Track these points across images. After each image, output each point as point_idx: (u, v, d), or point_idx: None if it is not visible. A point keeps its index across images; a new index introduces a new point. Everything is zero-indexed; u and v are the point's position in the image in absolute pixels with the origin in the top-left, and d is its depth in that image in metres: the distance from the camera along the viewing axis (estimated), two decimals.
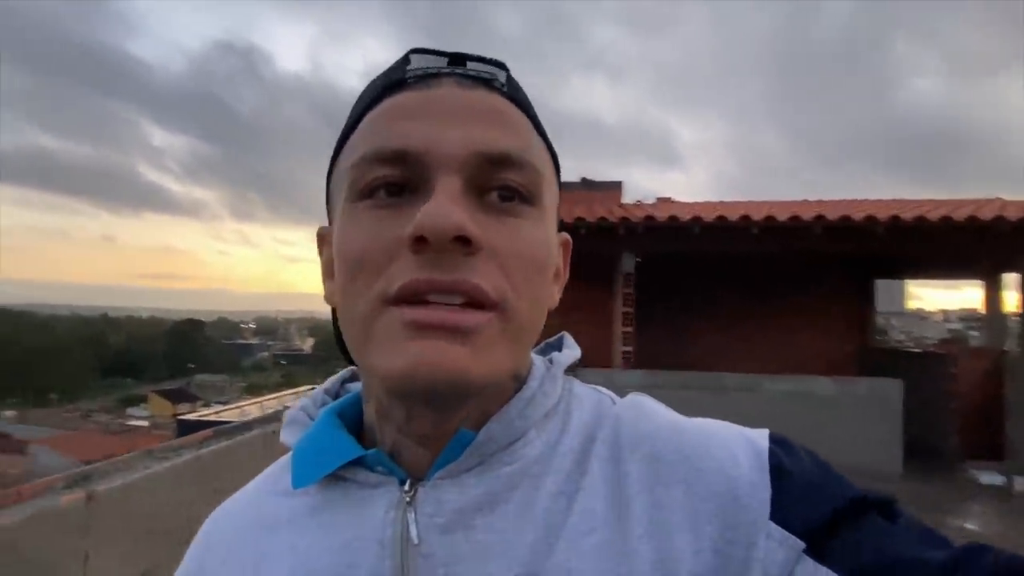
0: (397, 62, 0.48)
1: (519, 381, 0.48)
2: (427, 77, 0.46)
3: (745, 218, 7.80)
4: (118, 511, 2.28)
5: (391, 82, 0.46)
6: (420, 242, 0.40)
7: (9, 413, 57.71)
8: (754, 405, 7.56)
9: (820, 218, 7.62)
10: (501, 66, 0.48)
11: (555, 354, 0.53)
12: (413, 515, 0.44)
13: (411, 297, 0.41)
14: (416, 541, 0.43)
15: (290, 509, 0.49)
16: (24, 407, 63.59)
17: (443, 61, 0.46)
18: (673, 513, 0.43)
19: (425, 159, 0.42)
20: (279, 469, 0.54)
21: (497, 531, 0.43)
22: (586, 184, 11.08)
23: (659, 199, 11.45)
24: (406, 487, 0.45)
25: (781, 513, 0.42)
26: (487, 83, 0.46)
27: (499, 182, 0.44)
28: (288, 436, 0.52)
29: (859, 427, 7.39)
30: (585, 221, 8.06)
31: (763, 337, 10.24)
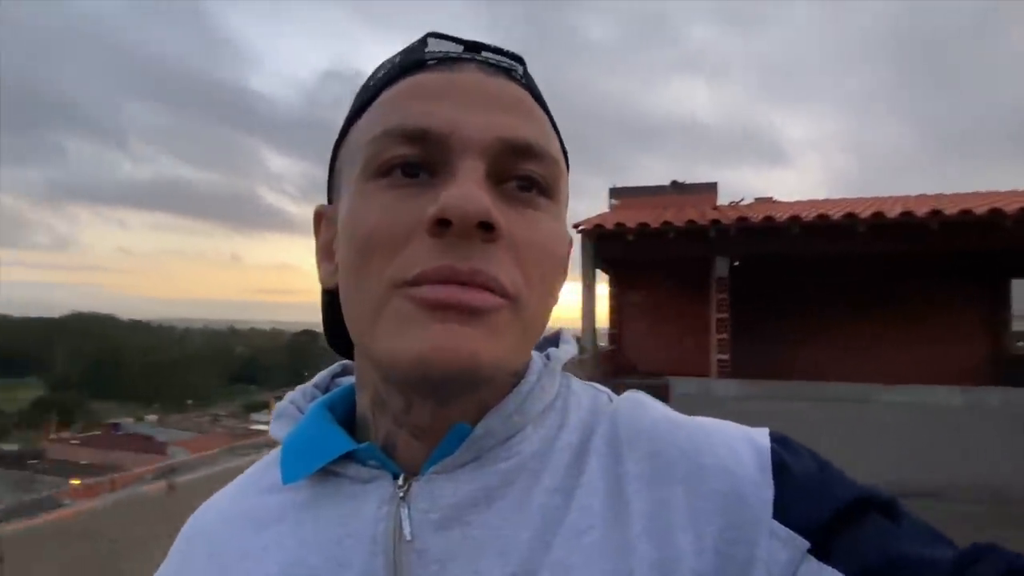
0: (414, 44, 0.47)
1: (517, 376, 0.47)
2: (448, 60, 0.45)
3: (850, 216, 7.28)
4: (198, 499, 2.46)
5: (410, 62, 0.45)
6: (442, 225, 0.39)
7: (151, 417, 63.94)
8: (866, 418, 7.00)
9: (936, 213, 6.98)
10: (519, 59, 0.47)
11: (552, 350, 0.52)
12: (407, 510, 0.43)
13: (429, 282, 0.39)
14: (409, 537, 0.42)
15: (279, 505, 0.48)
16: (164, 412, 70.18)
17: (459, 48, 0.46)
18: (674, 511, 0.42)
19: (448, 141, 0.41)
20: (265, 465, 0.52)
21: (493, 527, 0.42)
22: (677, 187, 10.81)
23: (757, 199, 10.94)
24: (399, 482, 0.44)
25: (784, 512, 0.41)
26: (507, 72, 0.46)
27: (520, 171, 0.43)
28: (277, 430, 0.51)
29: (990, 443, 6.64)
30: (672, 225, 7.84)
31: (875, 345, 9.50)
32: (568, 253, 0.49)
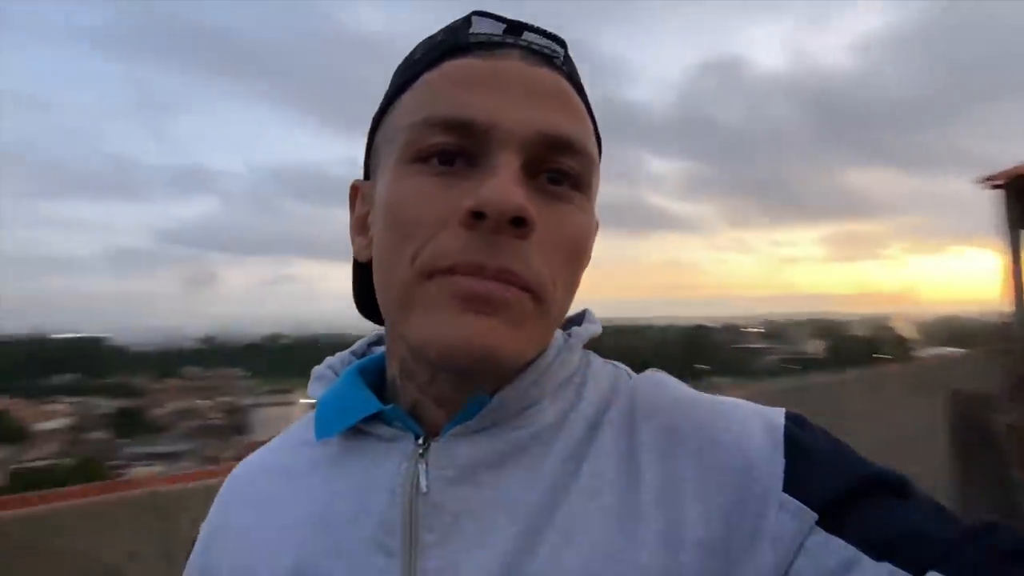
0: (457, 23, 0.48)
1: (538, 352, 0.49)
2: (491, 45, 0.45)
3: None
4: None
5: (454, 45, 0.46)
6: (477, 217, 0.40)
7: None
8: None
9: None
10: (561, 42, 0.48)
11: (575, 328, 0.54)
12: (424, 467, 0.46)
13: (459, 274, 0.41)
14: (425, 490, 0.45)
15: (311, 458, 0.52)
16: None
17: (501, 28, 0.46)
18: (684, 483, 0.44)
19: (489, 133, 0.42)
20: (304, 423, 0.56)
21: (503, 487, 0.45)
22: None
23: None
24: (420, 441, 0.47)
25: (794, 486, 0.42)
26: (549, 60, 0.46)
27: (555, 165, 0.44)
28: (314, 390, 0.55)
29: None
30: None
31: None
32: (593, 242, 0.50)
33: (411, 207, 0.43)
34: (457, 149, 0.43)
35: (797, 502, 0.41)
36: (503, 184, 0.40)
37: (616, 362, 0.55)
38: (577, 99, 0.47)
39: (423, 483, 0.45)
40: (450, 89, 0.44)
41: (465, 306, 0.41)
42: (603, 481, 0.44)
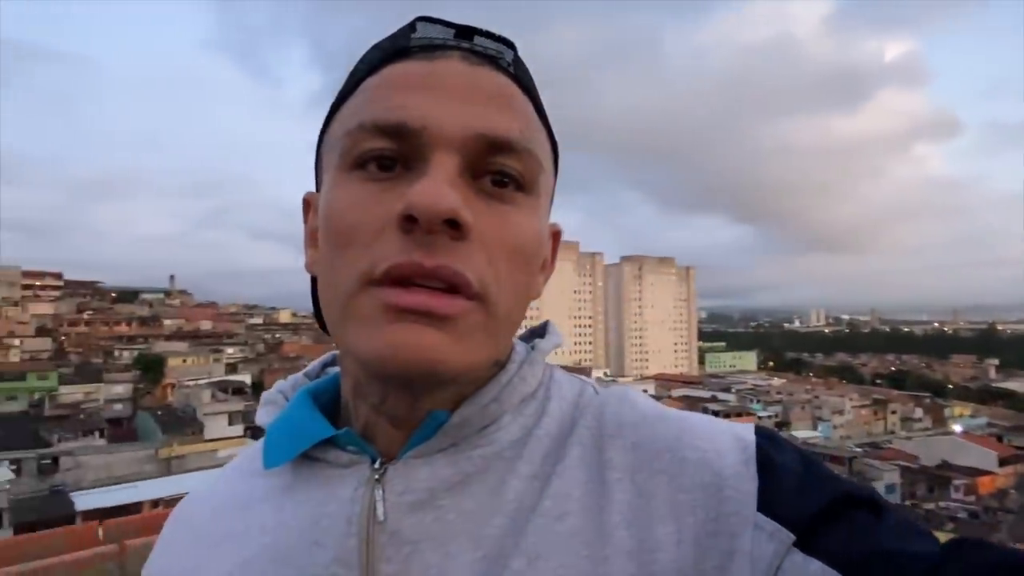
0: (402, 29, 0.46)
1: (499, 366, 0.48)
2: (432, 48, 0.44)
3: None
4: None
5: (394, 50, 0.45)
6: (409, 221, 0.39)
7: None
8: None
9: None
10: (510, 44, 0.46)
11: (537, 340, 0.52)
12: (381, 492, 0.44)
13: (395, 280, 0.40)
14: (382, 518, 0.43)
15: (263, 489, 0.50)
16: None
17: (450, 33, 0.45)
18: (654, 502, 0.43)
19: (422, 135, 0.41)
20: (253, 451, 0.54)
21: (465, 512, 0.43)
22: None
23: None
24: (376, 465, 0.45)
25: (768, 505, 0.41)
26: (494, 61, 0.45)
27: (496, 167, 0.43)
28: (263, 417, 0.52)
29: None
30: None
31: None
32: (547, 245, 0.49)
33: (347, 215, 0.42)
34: (395, 154, 0.42)
35: (773, 522, 0.40)
36: (433, 185, 0.39)
37: (582, 376, 0.54)
38: (523, 99, 0.45)
39: (380, 511, 0.43)
40: (385, 93, 0.43)
41: (396, 316, 0.40)
42: (570, 502, 0.43)
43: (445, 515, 0.43)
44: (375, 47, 0.47)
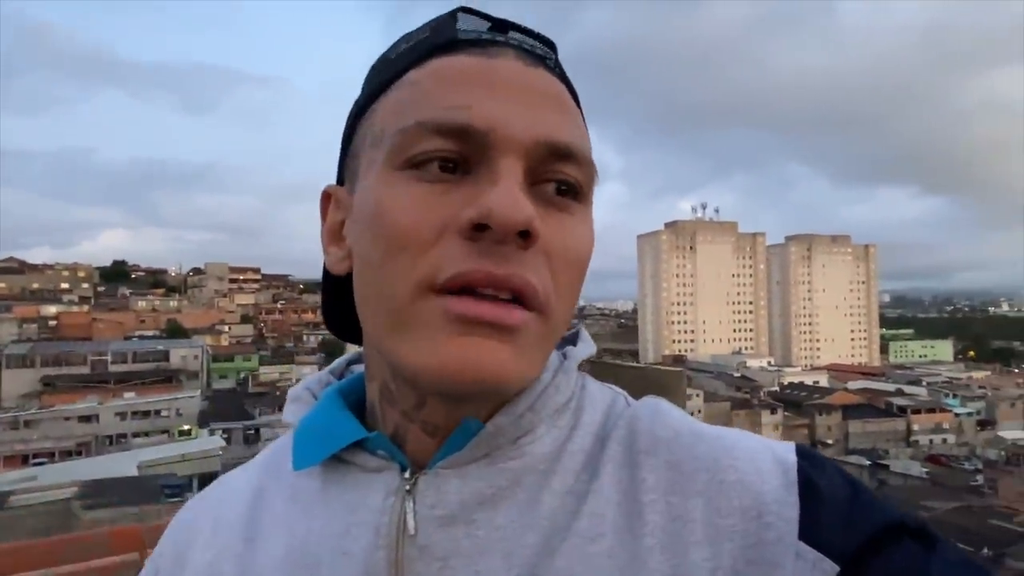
0: (442, 19, 0.45)
1: None
2: (483, 43, 0.43)
3: None
4: None
5: (442, 41, 0.43)
6: (479, 229, 0.38)
7: None
8: None
9: None
10: (551, 45, 0.46)
11: (569, 348, 0.50)
12: (412, 504, 0.42)
13: (461, 289, 0.38)
14: (413, 532, 0.41)
15: (290, 489, 0.49)
16: None
17: (487, 25, 0.44)
18: (690, 525, 0.41)
19: (488, 139, 0.39)
20: (283, 446, 0.52)
21: (498, 528, 0.41)
22: None
23: None
24: (407, 475, 0.44)
25: (810, 533, 0.39)
26: (543, 61, 0.44)
27: (558, 175, 0.42)
28: (291, 414, 0.51)
29: None
30: None
31: None
32: (592, 252, 0.48)
33: (404, 217, 0.40)
34: (456, 157, 0.40)
35: (815, 552, 0.38)
36: (509, 193, 0.38)
37: (612, 385, 0.52)
38: (572, 103, 0.45)
39: (410, 524, 0.42)
40: (442, 90, 0.41)
41: (463, 328, 0.38)
42: (604, 523, 0.41)
43: (476, 531, 0.41)
44: (414, 36, 0.45)
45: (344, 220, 0.47)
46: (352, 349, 0.56)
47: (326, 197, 0.50)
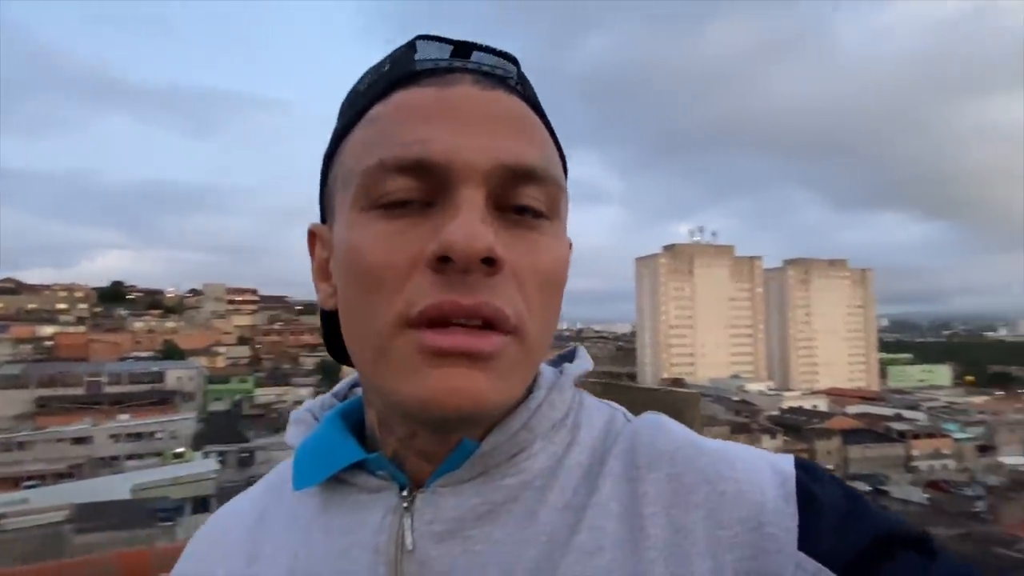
0: (402, 50, 0.45)
1: (526, 391, 0.46)
2: (440, 72, 0.43)
3: None
4: None
5: (400, 74, 0.44)
6: (444, 261, 0.39)
7: None
8: None
9: None
10: (512, 59, 0.46)
11: (566, 365, 0.51)
12: (410, 521, 0.43)
13: (432, 320, 0.39)
14: (411, 547, 0.42)
15: (292, 510, 0.50)
16: None
17: (449, 49, 0.44)
18: (692, 537, 0.41)
19: (447, 171, 0.40)
20: (285, 469, 0.53)
21: (496, 543, 0.42)
22: None
23: None
24: (405, 493, 0.45)
25: (810, 543, 0.40)
26: (502, 81, 0.44)
27: (521, 199, 0.42)
28: (292, 437, 0.52)
29: None
30: None
31: None
32: (568, 267, 0.48)
33: (374, 257, 0.41)
34: (417, 195, 0.41)
35: (815, 562, 0.39)
36: (467, 224, 0.38)
37: (611, 402, 0.52)
38: (535, 120, 0.45)
39: (408, 540, 0.42)
40: (400, 126, 0.42)
41: (438, 361, 0.39)
42: (604, 536, 0.42)
43: (474, 546, 0.42)
44: (375, 70, 0.46)
45: (329, 257, 0.48)
46: (352, 372, 0.57)
47: (311, 236, 0.51)
